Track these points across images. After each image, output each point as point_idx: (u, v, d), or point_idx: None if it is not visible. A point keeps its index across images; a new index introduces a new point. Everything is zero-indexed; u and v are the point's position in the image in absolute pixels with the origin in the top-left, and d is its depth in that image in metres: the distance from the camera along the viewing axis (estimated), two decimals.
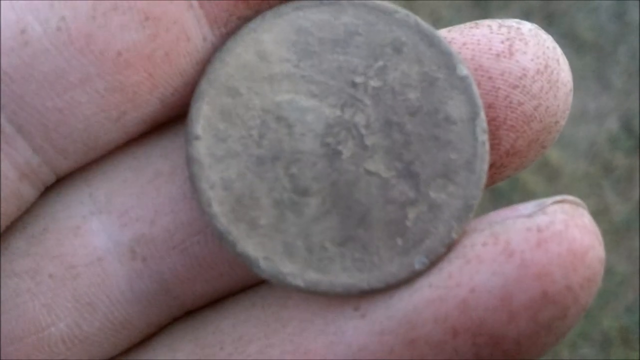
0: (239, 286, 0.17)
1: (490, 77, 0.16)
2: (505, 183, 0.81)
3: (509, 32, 0.16)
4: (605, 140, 0.81)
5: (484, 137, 0.16)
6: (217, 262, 0.17)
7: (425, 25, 0.16)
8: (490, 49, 0.16)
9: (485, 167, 0.16)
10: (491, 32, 0.16)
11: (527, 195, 0.77)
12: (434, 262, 0.16)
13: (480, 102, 0.16)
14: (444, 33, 0.17)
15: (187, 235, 0.17)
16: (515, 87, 0.16)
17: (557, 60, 0.16)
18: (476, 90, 0.16)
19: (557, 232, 0.15)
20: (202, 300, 0.18)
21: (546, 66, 0.16)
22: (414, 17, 0.16)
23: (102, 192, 0.17)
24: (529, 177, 0.79)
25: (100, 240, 0.16)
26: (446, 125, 0.16)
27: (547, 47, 0.16)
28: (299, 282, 0.16)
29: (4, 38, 0.14)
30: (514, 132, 0.16)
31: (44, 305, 0.16)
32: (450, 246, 0.16)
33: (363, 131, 0.16)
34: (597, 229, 0.15)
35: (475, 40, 0.16)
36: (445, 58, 0.16)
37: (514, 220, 0.15)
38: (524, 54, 0.16)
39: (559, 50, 0.16)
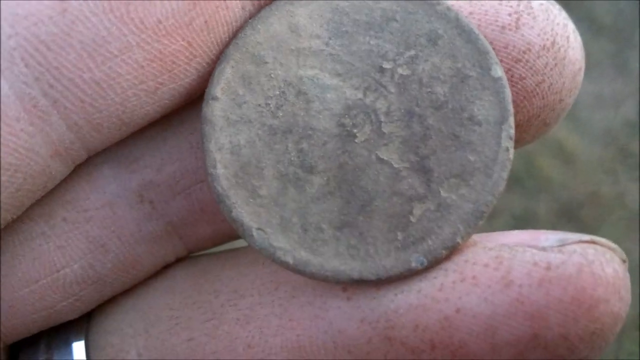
0: None
1: (493, 50, 0.16)
2: (520, 168, 0.81)
3: (518, 5, 0.16)
4: (621, 126, 0.81)
5: (508, 144, 0.15)
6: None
7: (465, 20, 0.16)
8: (496, 20, 0.16)
9: (505, 175, 0.15)
10: (500, 4, 0.16)
11: (542, 180, 0.77)
12: (432, 264, 0.15)
13: (511, 107, 0.15)
14: (451, 0, 0.16)
15: (191, 182, 0.17)
16: (518, 61, 0.16)
17: (567, 38, 0.16)
18: (509, 94, 0.15)
19: (566, 275, 0.14)
20: (206, 242, 0.18)
21: (553, 42, 0.16)
22: (455, 11, 0.16)
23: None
24: (544, 162, 0.78)
25: (110, 186, 0.17)
26: (470, 125, 0.15)
27: (557, 24, 0.16)
28: (288, 259, 0.16)
29: (42, 5, 0.14)
30: (514, 107, 0.16)
31: (58, 248, 0.17)
32: (452, 250, 0.15)
33: (382, 118, 0.16)
34: (624, 281, 0.14)
35: (483, 10, 0.16)
36: (481, 57, 0.15)
37: (525, 249, 0.15)
38: (530, 28, 0.16)
39: (570, 28, 0.16)
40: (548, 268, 0.14)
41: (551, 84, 0.16)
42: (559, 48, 0.16)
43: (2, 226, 0.15)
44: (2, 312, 0.17)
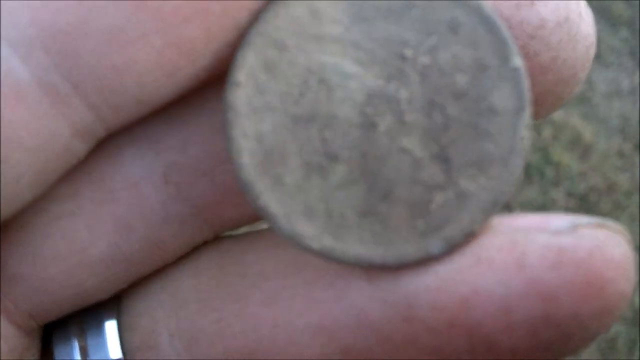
0: None
1: (509, 26, 0.16)
2: (538, 158, 0.81)
3: None
4: (639, 117, 0.81)
5: (524, 133, 0.15)
6: None
7: (488, 8, 0.16)
8: None
9: (521, 163, 0.16)
10: None
11: (559, 172, 0.77)
12: (450, 250, 0.16)
13: (528, 96, 0.15)
14: None
15: (215, 164, 0.18)
16: (533, 37, 0.16)
17: (579, 13, 0.16)
18: (526, 84, 0.15)
19: (577, 259, 0.15)
20: (231, 224, 0.19)
21: (567, 18, 0.16)
22: None
23: (135, 122, 0.17)
24: (562, 153, 0.79)
25: (135, 167, 0.17)
26: (489, 115, 0.16)
27: None
28: (314, 245, 0.16)
29: None
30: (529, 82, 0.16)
31: (85, 227, 0.17)
32: (470, 237, 0.16)
33: (404, 107, 0.16)
34: (631, 262, 0.15)
35: None
36: (502, 47, 0.16)
37: (537, 233, 0.15)
38: (544, 4, 0.16)
39: (582, 3, 0.16)
40: (560, 251, 0.15)
41: (565, 59, 0.16)
42: (572, 23, 0.16)
43: (29, 204, 0.16)
44: (32, 291, 0.18)
